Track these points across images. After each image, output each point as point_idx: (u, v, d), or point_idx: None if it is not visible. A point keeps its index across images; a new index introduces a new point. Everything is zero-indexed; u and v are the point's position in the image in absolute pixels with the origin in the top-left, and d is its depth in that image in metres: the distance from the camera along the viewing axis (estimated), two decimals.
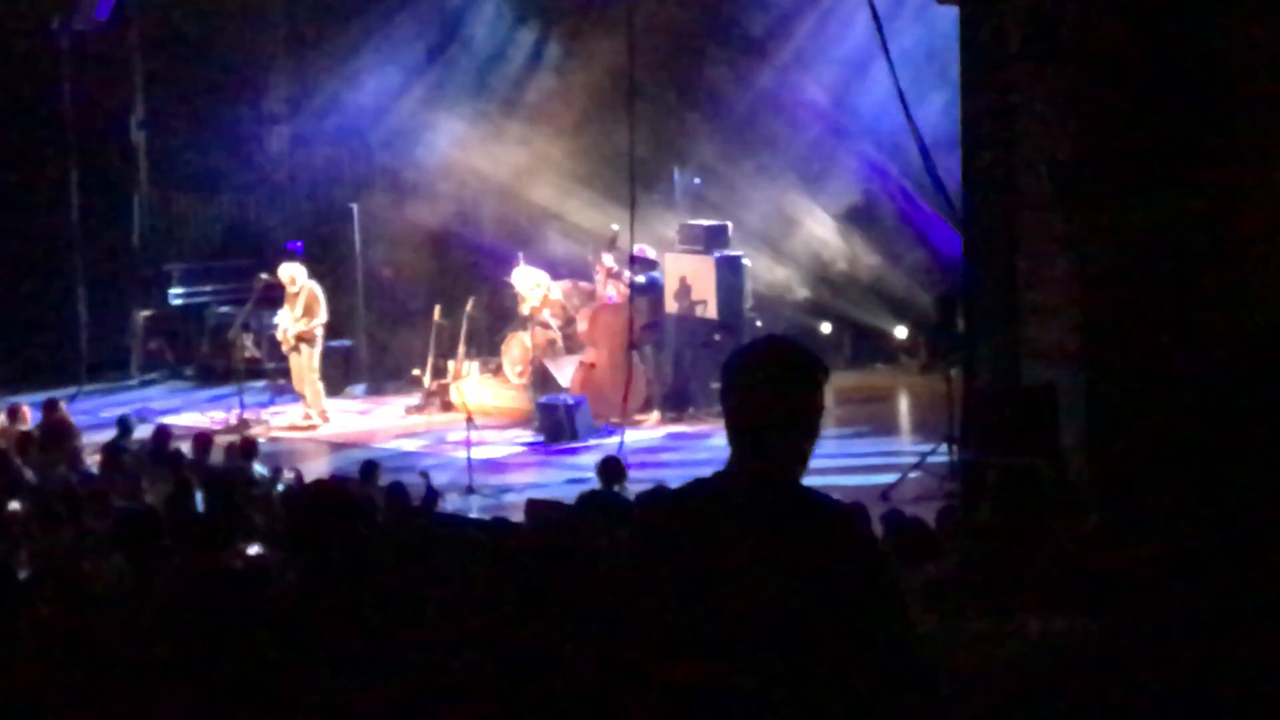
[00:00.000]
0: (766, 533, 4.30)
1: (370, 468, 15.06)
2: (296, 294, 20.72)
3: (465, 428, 17.62)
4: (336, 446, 19.44)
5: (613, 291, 20.48)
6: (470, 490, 16.48)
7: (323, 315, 20.65)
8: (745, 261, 20.44)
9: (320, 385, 20.67)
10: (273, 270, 21.28)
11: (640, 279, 19.74)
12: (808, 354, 4.48)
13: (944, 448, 15.86)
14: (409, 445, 19.43)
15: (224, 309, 24.03)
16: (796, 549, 4.26)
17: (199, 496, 13.17)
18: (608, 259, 20.60)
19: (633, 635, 4.39)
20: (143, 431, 17.32)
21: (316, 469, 17.80)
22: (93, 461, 16.40)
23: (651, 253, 20.28)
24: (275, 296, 21.64)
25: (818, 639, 4.21)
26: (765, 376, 4.42)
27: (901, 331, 22.59)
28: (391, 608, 7.79)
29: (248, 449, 15.96)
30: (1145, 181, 13.89)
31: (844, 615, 4.21)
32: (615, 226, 20.25)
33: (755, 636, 4.22)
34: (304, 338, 20.55)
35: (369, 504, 13.04)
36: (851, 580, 4.24)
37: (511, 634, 7.81)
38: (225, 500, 12.85)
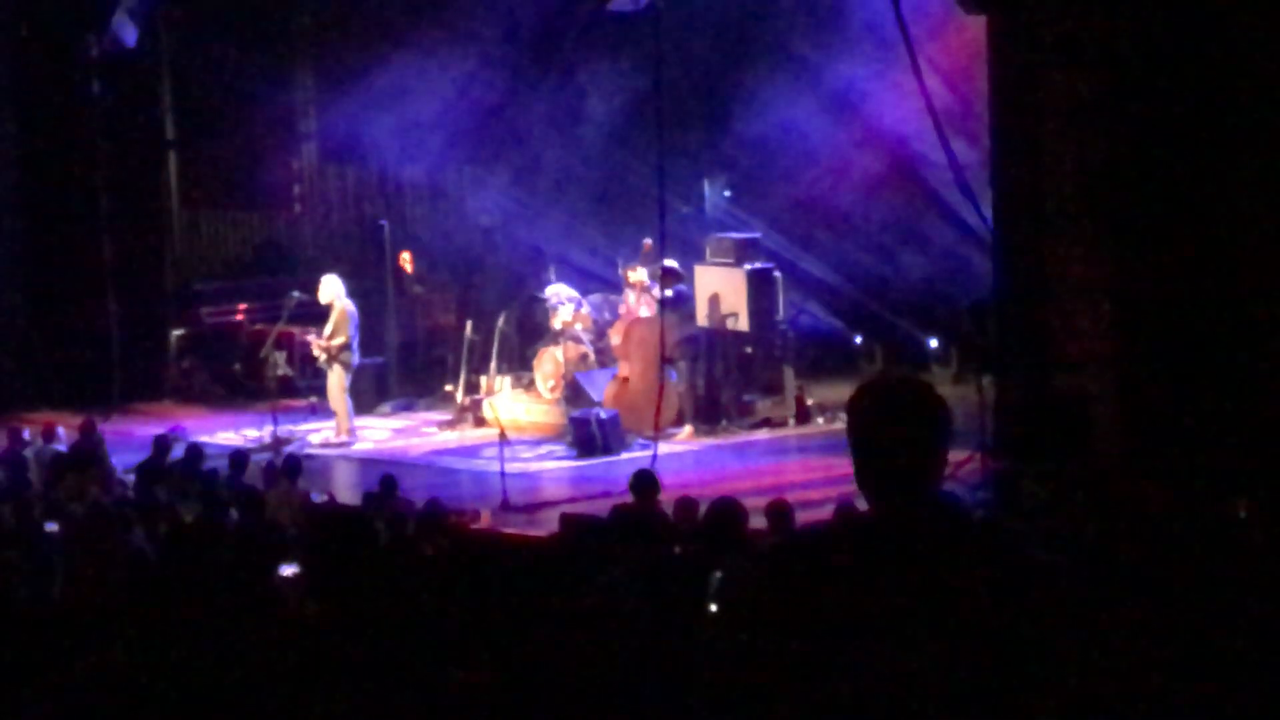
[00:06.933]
0: (932, 576, 4.26)
1: (390, 483, 15.06)
2: (330, 313, 20.73)
3: (498, 443, 17.63)
4: (369, 463, 19.45)
5: (644, 310, 20.46)
6: (505, 506, 16.49)
7: (343, 336, 20.55)
8: (776, 274, 20.43)
9: (349, 404, 20.66)
10: (305, 287, 21.34)
11: (669, 293, 19.72)
12: (930, 390, 4.46)
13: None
14: (442, 461, 19.46)
15: (256, 326, 24.05)
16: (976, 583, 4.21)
17: (233, 516, 13.22)
18: (635, 274, 20.59)
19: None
20: (178, 451, 17.34)
21: (349, 486, 17.85)
22: (127, 481, 16.46)
23: (676, 265, 20.24)
24: (307, 314, 21.66)
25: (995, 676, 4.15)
26: (911, 417, 4.34)
27: (934, 341, 22.55)
28: (412, 624, 7.79)
29: (290, 469, 15.93)
30: (1176, 190, 13.87)
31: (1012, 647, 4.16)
32: (648, 240, 20.25)
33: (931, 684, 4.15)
34: (331, 355, 20.54)
35: (395, 520, 13.10)
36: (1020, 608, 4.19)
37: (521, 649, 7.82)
38: (259, 519, 12.89)
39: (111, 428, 20.29)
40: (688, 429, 19.89)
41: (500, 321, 21.50)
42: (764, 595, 4.37)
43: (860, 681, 4.14)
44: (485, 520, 15.70)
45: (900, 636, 4.14)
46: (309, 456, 19.29)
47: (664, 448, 18.34)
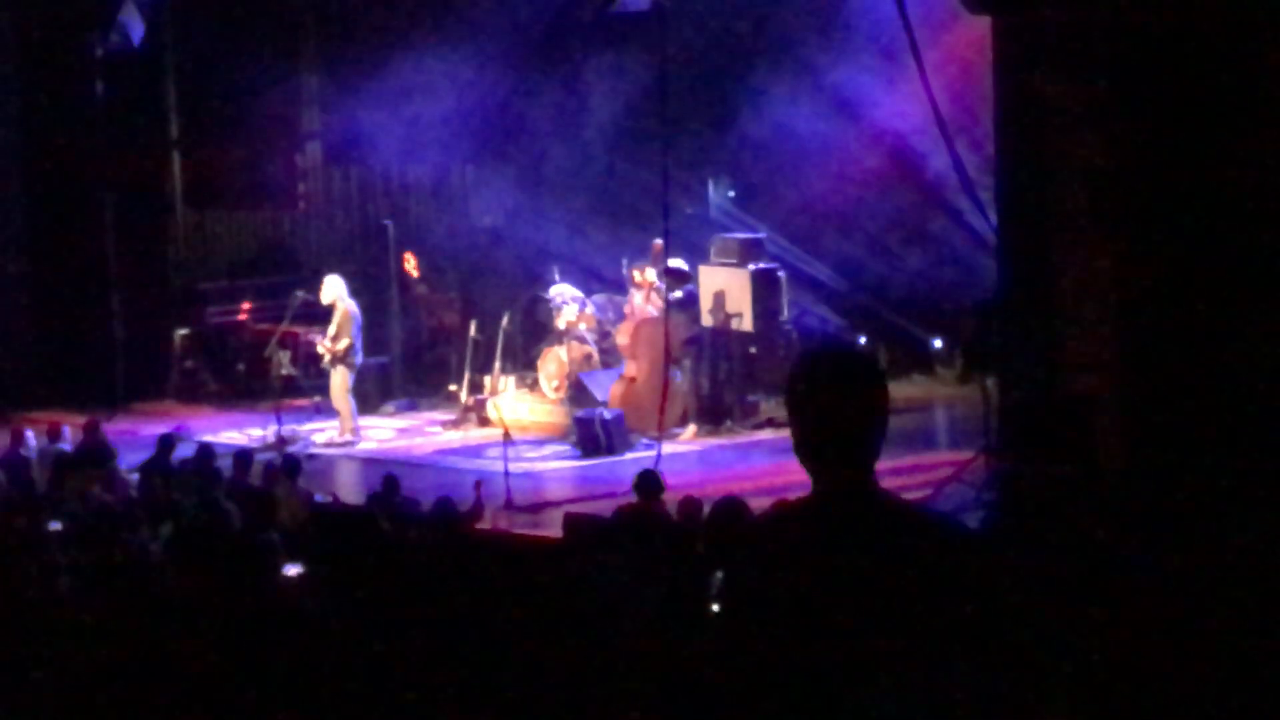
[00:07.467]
0: (881, 552, 4.25)
1: (391, 483, 15.05)
2: (333, 314, 20.73)
3: (502, 443, 17.64)
4: (373, 463, 19.45)
5: (651, 309, 20.45)
6: (509, 506, 16.50)
7: (347, 339, 20.55)
8: (780, 274, 20.43)
9: (353, 404, 20.67)
10: (309, 287, 21.39)
11: (678, 294, 19.75)
12: (874, 360, 4.49)
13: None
14: (446, 461, 19.46)
15: (260, 326, 24.06)
16: (911, 567, 4.21)
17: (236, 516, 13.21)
18: (644, 275, 20.59)
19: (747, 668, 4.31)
20: (182, 450, 17.35)
21: (353, 486, 17.84)
22: (131, 480, 16.46)
23: (683, 265, 20.27)
24: (311, 313, 21.67)
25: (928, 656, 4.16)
26: (845, 388, 4.35)
27: (938, 342, 22.53)
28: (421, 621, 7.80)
29: (290, 467, 15.95)
30: (1180, 192, 13.86)
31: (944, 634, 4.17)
32: (657, 241, 20.25)
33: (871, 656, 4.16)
34: (337, 357, 20.55)
35: (398, 519, 13.12)
36: (949, 599, 4.20)
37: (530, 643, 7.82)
38: (263, 519, 12.88)
39: (115, 427, 20.30)
40: (691, 429, 19.90)
41: (504, 321, 21.50)
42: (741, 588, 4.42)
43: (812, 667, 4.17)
44: (489, 520, 15.70)
45: (840, 617, 4.17)
46: (313, 456, 19.30)
47: (668, 448, 18.35)
